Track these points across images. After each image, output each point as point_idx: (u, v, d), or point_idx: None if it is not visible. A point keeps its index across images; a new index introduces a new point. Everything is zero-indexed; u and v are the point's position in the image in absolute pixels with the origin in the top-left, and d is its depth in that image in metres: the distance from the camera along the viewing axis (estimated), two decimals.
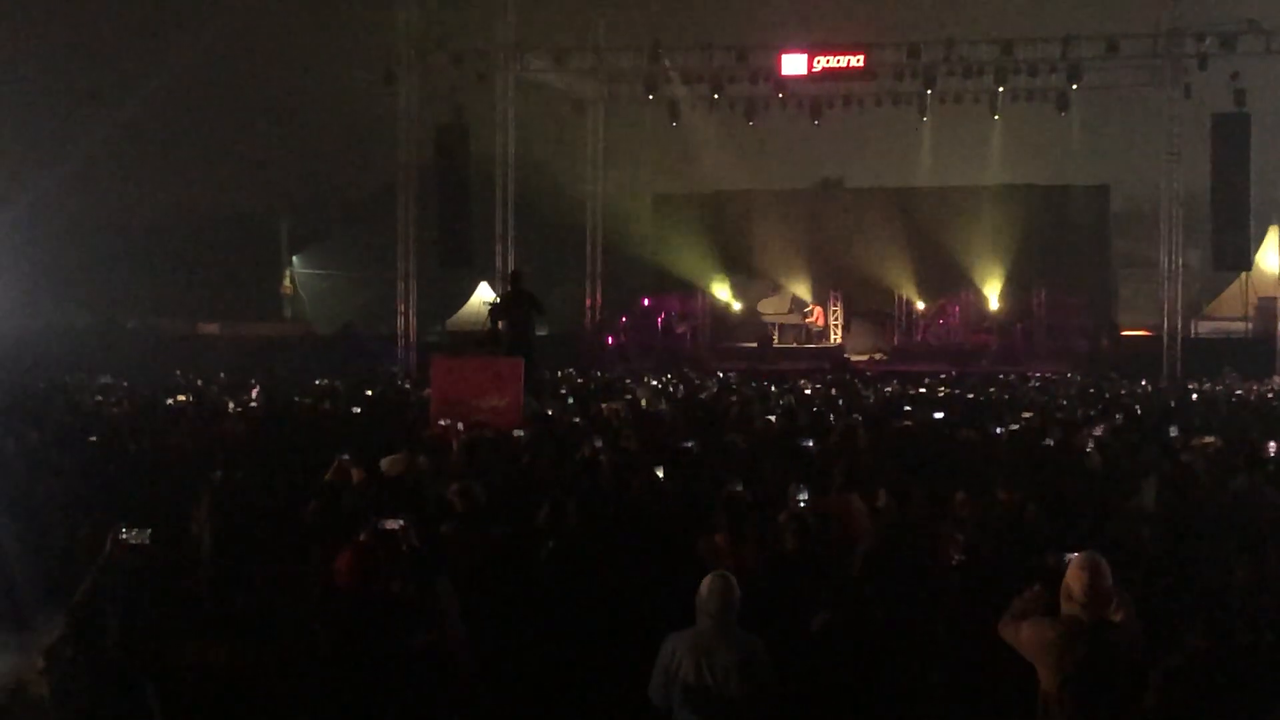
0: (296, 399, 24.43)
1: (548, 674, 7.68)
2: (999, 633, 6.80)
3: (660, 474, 12.24)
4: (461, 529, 9.33)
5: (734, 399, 23.74)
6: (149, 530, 7.30)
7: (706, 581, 6.93)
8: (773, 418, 18.58)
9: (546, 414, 19.48)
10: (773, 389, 27.70)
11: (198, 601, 7.63)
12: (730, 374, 34.86)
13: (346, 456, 12.12)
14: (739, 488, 10.39)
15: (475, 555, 8.74)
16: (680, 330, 45.31)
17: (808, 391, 27.74)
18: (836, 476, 11.42)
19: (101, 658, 6.30)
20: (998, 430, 17.27)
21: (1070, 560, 6.66)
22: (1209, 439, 15.35)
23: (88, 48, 42.44)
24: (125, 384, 27.96)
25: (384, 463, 12.17)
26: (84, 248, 45.03)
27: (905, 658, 7.39)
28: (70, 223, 44.29)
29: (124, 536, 7.22)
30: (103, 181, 44.58)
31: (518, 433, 16.10)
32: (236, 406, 21.86)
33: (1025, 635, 6.61)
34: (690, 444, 14.62)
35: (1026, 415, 19.36)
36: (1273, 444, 14.93)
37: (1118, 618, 6.53)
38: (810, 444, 13.56)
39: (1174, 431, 16.39)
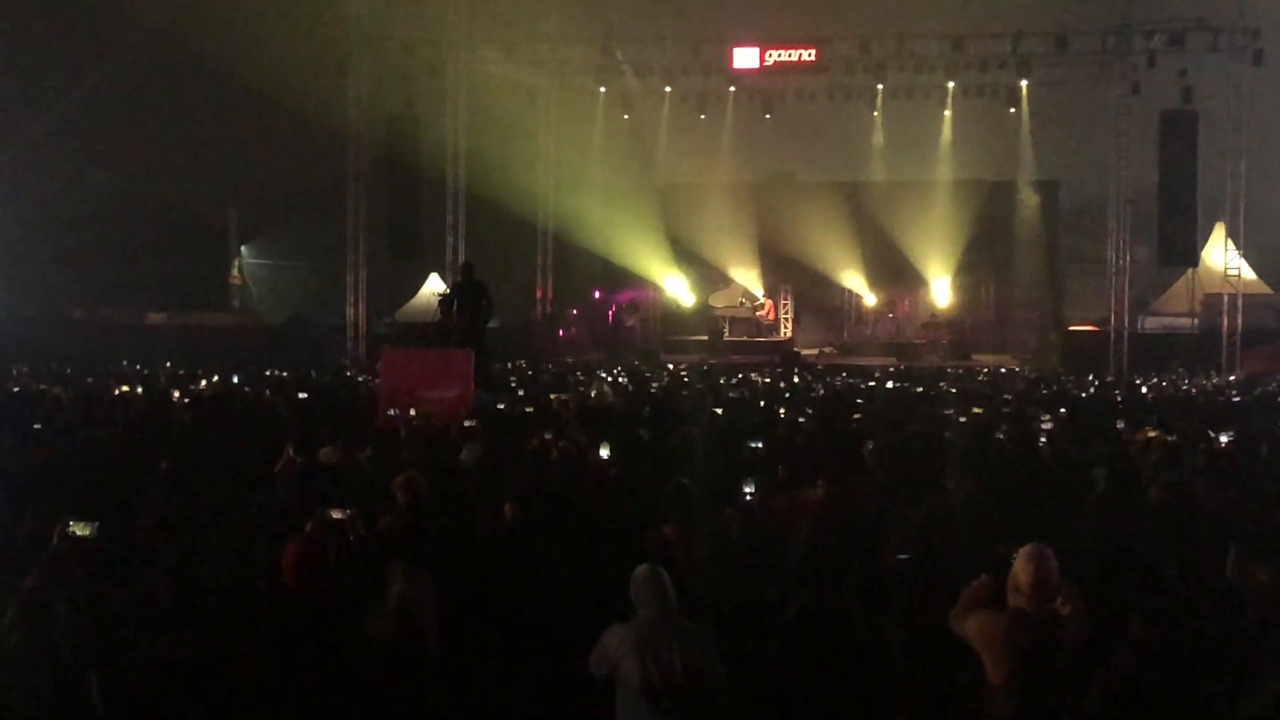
0: (245, 389, 24.31)
1: (495, 666, 7.66)
2: (949, 624, 6.83)
3: (605, 453, 12.29)
4: (403, 521, 9.26)
5: (685, 393, 23.77)
6: (96, 523, 7.23)
7: (637, 574, 6.95)
8: (719, 410, 18.63)
9: (497, 406, 19.43)
10: (723, 381, 27.77)
11: (144, 593, 7.56)
12: (681, 367, 34.93)
13: (291, 450, 12.05)
14: (686, 480, 10.41)
15: (418, 548, 8.68)
16: (630, 323, 45.34)
17: (755, 380, 27.86)
18: (782, 473, 11.46)
19: (47, 648, 6.24)
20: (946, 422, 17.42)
21: (1017, 552, 6.69)
22: (1154, 432, 15.48)
23: (33, 35, 42.00)
24: (71, 373, 27.69)
25: (321, 453, 12.09)
26: (30, 237, 44.55)
27: (855, 647, 7.41)
28: (16, 212, 43.79)
29: (71, 528, 7.15)
30: (49, 170, 44.13)
31: (469, 422, 16.07)
32: (184, 396, 21.71)
33: (972, 627, 6.64)
34: (641, 432, 14.70)
35: (977, 411, 19.43)
36: (1224, 436, 15.10)
37: (1064, 610, 6.55)
38: (759, 445, 13.53)
39: (1120, 424, 16.53)
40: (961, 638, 6.75)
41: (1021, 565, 6.58)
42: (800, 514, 10.01)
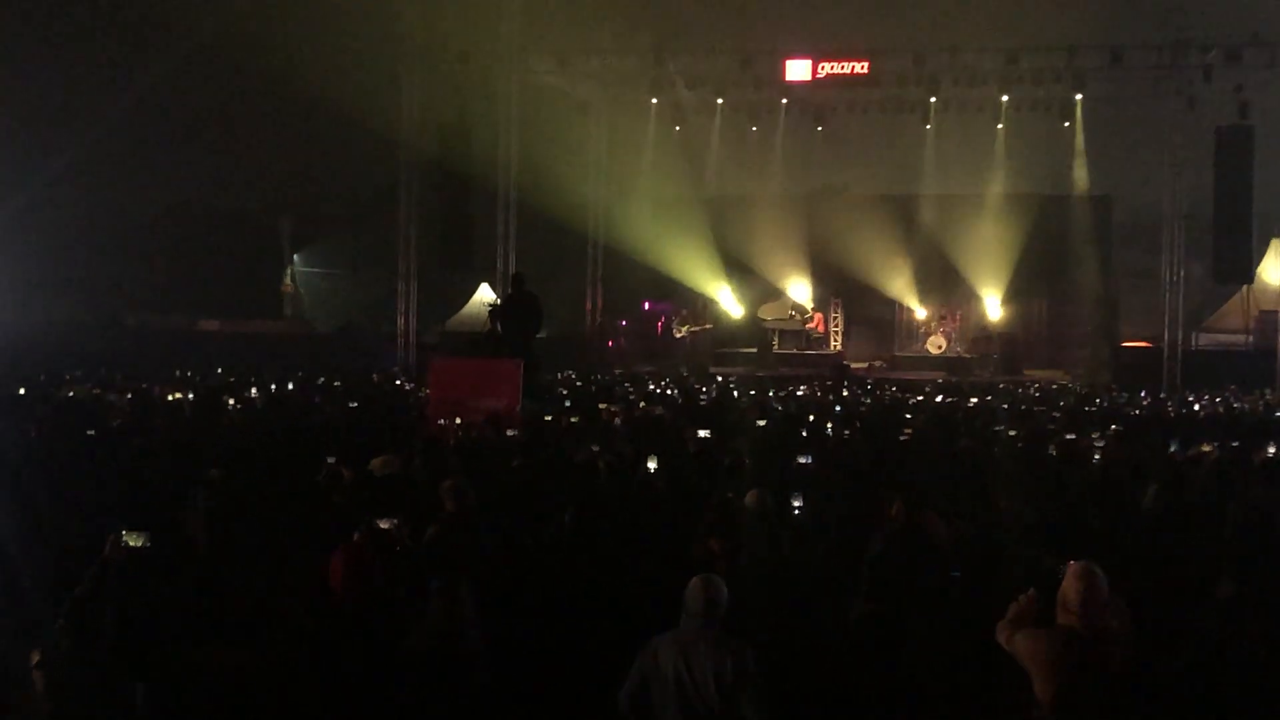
0: (297, 398, 24.47)
1: (540, 678, 7.66)
2: (996, 639, 6.80)
3: (653, 467, 12.27)
4: (450, 529, 9.28)
5: (730, 407, 23.78)
6: (148, 533, 7.27)
7: (692, 584, 6.93)
8: (763, 422, 18.63)
9: (544, 417, 19.46)
10: (771, 393, 27.77)
11: (193, 603, 7.60)
12: (730, 379, 34.92)
13: (333, 460, 12.06)
14: (732, 494, 10.40)
15: (466, 556, 8.69)
16: (680, 334, 45.30)
17: (800, 393, 27.87)
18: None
19: (96, 657, 6.29)
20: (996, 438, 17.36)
21: (1067, 569, 6.65)
22: (1207, 448, 15.37)
23: (87, 41, 42.38)
24: (123, 379, 27.89)
25: (373, 463, 12.10)
26: (84, 243, 44.97)
27: (904, 663, 7.39)
28: (70, 218, 44.16)
29: (124, 539, 7.18)
30: (104, 177, 44.47)
31: (511, 432, 16.13)
32: (236, 404, 21.85)
33: (1020, 644, 6.59)
34: (687, 443, 14.71)
35: (1014, 432, 19.24)
36: (1270, 448, 14.98)
37: (1113, 628, 6.51)
38: (808, 460, 13.48)
39: (1174, 446, 16.35)
40: (1009, 653, 6.72)
41: (1070, 583, 6.53)
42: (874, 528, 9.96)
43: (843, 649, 7.66)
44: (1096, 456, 15.09)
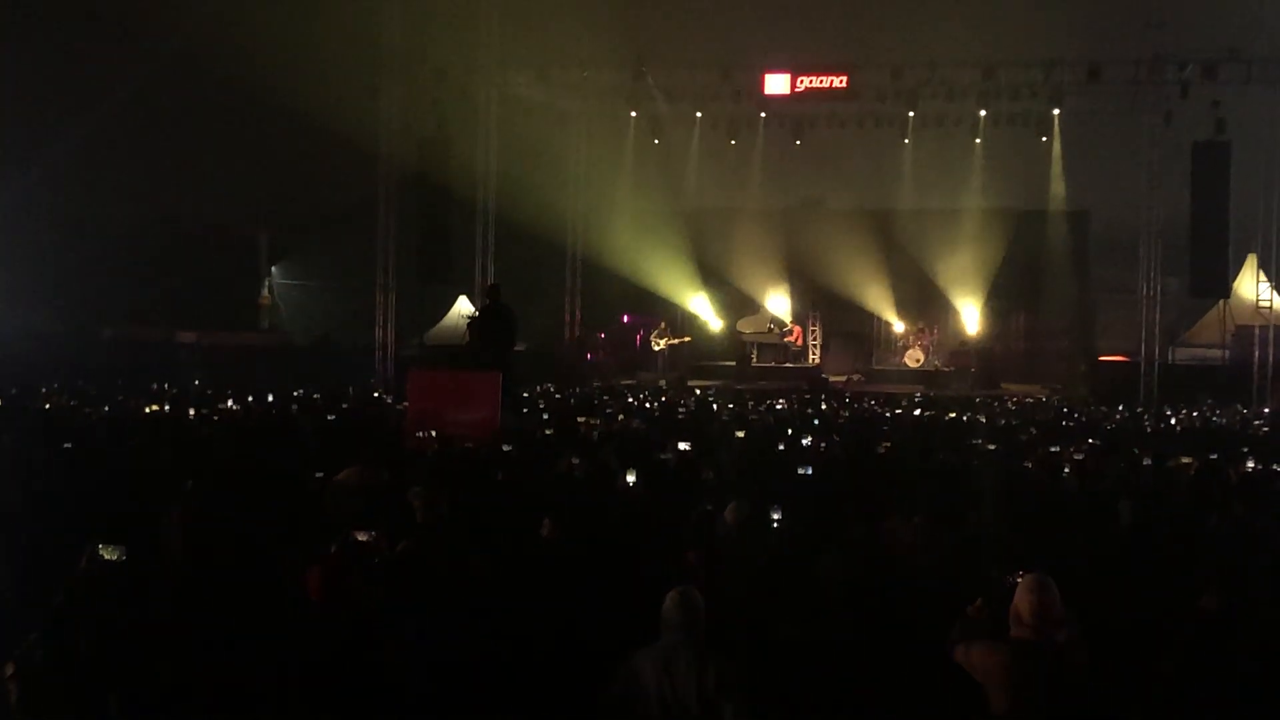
0: (274, 410, 24.37)
1: (518, 693, 7.63)
2: (949, 653, 6.80)
3: (631, 480, 12.27)
4: (421, 541, 9.22)
5: (711, 418, 23.79)
6: (124, 547, 7.23)
7: (669, 597, 6.92)
8: (741, 433, 18.64)
9: (521, 429, 19.42)
10: (750, 406, 27.79)
11: (169, 615, 7.55)
12: (709, 393, 34.92)
13: (320, 474, 12.04)
14: (710, 506, 10.39)
15: (442, 568, 8.65)
16: (658, 347, 45.27)
17: (779, 406, 27.88)
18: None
19: (71, 669, 6.25)
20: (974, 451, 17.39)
21: (1019, 581, 6.64)
22: (1186, 459, 15.41)
23: (63, 52, 42.20)
24: (98, 391, 27.74)
25: (345, 475, 12.07)
26: (60, 254, 44.66)
27: (871, 676, 7.38)
28: (46, 229, 43.94)
29: (100, 553, 7.14)
30: (80, 188, 44.23)
31: (506, 447, 16.11)
32: (212, 415, 21.76)
33: (974, 658, 6.60)
34: (666, 456, 14.70)
35: (992, 447, 19.26)
36: (1250, 463, 15.02)
37: (1067, 640, 6.50)
38: (808, 471, 13.47)
39: (1148, 459, 16.38)
40: (962, 666, 6.72)
41: (1023, 596, 6.53)
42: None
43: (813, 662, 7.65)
44: (1066, 470, 15.11)
